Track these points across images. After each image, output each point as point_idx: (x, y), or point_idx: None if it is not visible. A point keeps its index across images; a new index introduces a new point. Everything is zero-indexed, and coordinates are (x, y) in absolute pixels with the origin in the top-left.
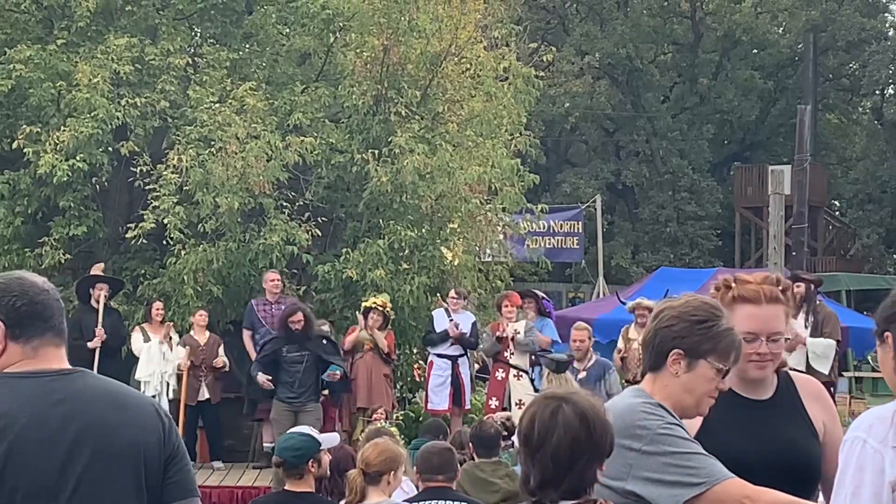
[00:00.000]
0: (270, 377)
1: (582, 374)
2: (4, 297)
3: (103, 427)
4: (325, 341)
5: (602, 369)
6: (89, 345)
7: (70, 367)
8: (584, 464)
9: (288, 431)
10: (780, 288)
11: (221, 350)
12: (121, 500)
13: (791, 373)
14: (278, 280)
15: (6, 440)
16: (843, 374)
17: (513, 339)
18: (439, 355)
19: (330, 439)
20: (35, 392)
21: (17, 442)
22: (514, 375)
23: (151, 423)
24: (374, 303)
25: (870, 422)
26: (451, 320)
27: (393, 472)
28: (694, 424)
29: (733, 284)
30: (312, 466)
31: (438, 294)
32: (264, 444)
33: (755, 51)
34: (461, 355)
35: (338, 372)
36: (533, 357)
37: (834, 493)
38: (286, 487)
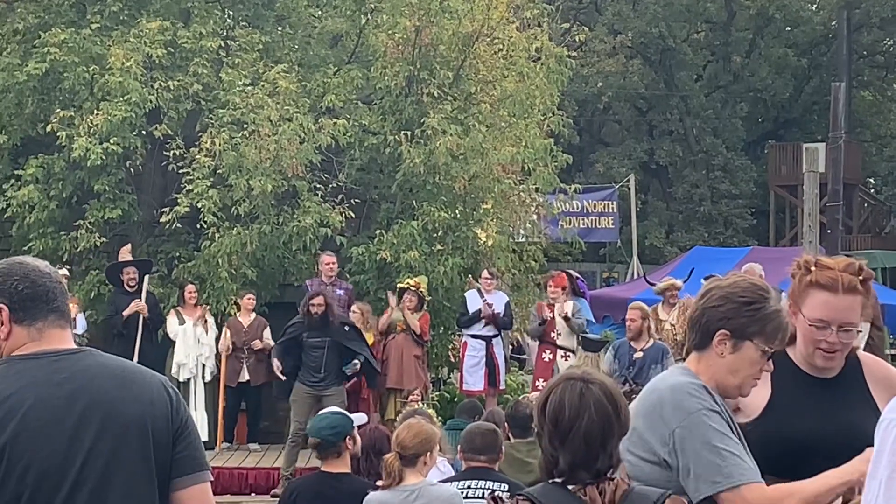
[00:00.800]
0: (280, 366)
1: (638, 355)
2: (7, 280)
3: (109, 403)
4: (346, 328)
5: (660, 353)
6: (125, 312)
7: (75, 346)
8: (614, 444)
9: (319, 413)
10: (861, 277)
11: (267, 332)
12: (129, 473)
13: (859, 353)
14: (334, 263)
15: (13, 421)
16: None
17: (567, 318)
18: (473, 336)
19: (358, 418)
20: (41, 373)
21: (24, 422)
22: (562, 356)
23: (158, 397)
24: (409, 283)
25: None
26: (485, 300)
27: (429, 453)
28: (759, 401)
29: (813, 268)
30: (349, 443)
31: (470, 275)
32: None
33: (788, 28)
34: (495, 335)
35: (357, 364)
36: (580, 337)
37: (868, 477)
38: (323, 468)
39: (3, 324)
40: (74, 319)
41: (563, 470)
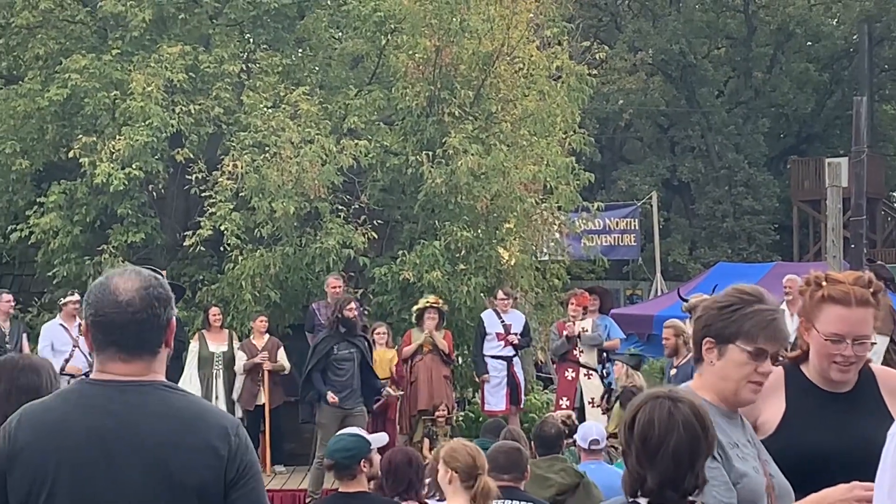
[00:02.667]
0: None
1: (673, 371)
2: (85, 302)
3: (159, 447)
4: (366, 343)
5: (689, 369)
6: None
7: (145, 378)
8: (701, 463)
9: (337, 433)
10: (872, 290)
11: (281, 352)
12: None
13: (873, 366)
14: (340, 287)
15: (60, 449)
16: None
17: (579, 335)
18: (493, 357)
19: (378, 438)
20: (99, 402)
21: (70, 452)
22: (585, 374)
23: (213, 446)
24: (428, 301)
25: None
26: (502, 321)
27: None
28: (775, 417)
29: (824, 283)
30: (364, 466)
31: (492, 297)
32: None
33: (809, 43)
34: (514, 355)
35: (383, 395)
36: (604, 354)
37: (875, 488)
38: (340, 489)
39: (85, 337)
40: None
41: (650, 489)
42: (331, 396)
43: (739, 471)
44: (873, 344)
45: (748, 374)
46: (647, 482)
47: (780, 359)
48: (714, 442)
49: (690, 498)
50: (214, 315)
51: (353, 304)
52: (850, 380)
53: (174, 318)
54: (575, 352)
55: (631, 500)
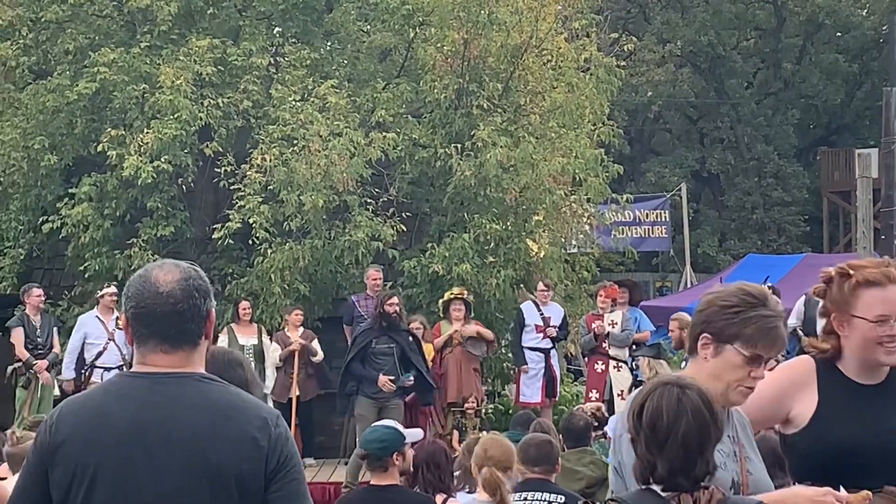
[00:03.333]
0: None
1: (683, 364)
2: (125, 295)
3: (198, 439)
4: (411, 338)
5: None
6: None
7: (185, 370)
8: (711, 449)
9: (373, 424)
10: None
11: (315, 343)
12: None
13: None
14: (380, 279)
15: (101, 441)
16: None
17: (607, 335)
18: (531, 349)
19: (414, 434)
20: (139, 394)
21: (111, 444)
22: (615, 367)
23: (253, 437)
24: (453, 293)
25: None
26: (542, 314)
27: (514, 467)
28: (807, 412)
29: (852, 271)
30: (397, 459)
31: (523, 286)
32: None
33: (839, 34)
34: (552, 347)
35: (412, 378)
36: (634, 347)
37: None
38: (371, 482)
39: (125, 331)
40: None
41: (661, 476)
42: (382, 379)
43: None
44: None
45: (741, 378)
46: (657, 469)
47: (812, 351)
48: (723, 428)
49: (703, 484)
50: (244, 309)
51: (394, 299)
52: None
53: (213, 309)
54: (604, 344)
55: (644, 487)
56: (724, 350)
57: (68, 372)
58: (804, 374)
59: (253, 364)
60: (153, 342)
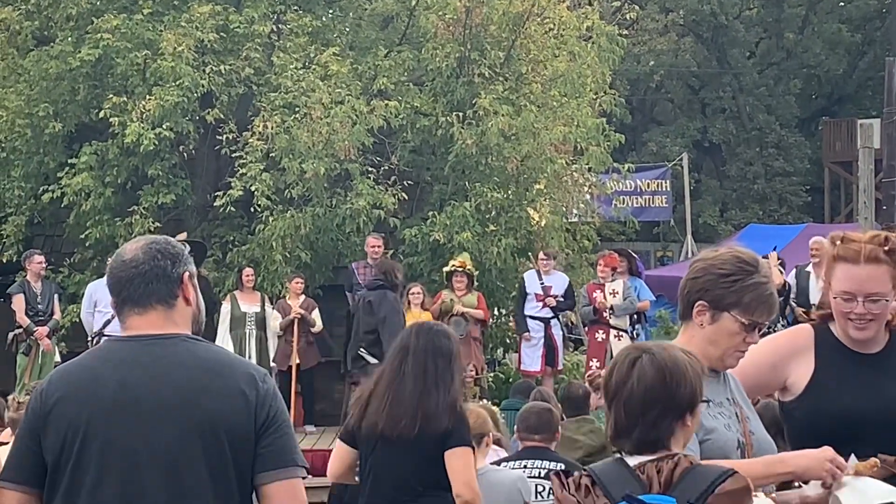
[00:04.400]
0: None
1: None
2: (108, 267)
3: (189, 395)
4: None
5: None
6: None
7: (167, 332)
8: (656, 414)
9: None
10: (887, 248)
11: (316, 312)
12: (198, 467)
13: None
14: (378, 246)
15: (94, 400)
16: None
17: (611, 307)
18: (531, 317)
19: None
20: (128, 356)
21: (103, 403)
22: (615, 336)
23: (241, 390)
24: (454, 265)
25: None
26: (542, 283)
27: (488, 436)
28: (803, 378)
29: (838, 243)
30: None
31: (530, 255)
32: None
33: (841, 3)
34: (553, 317)
35: None
36: (635, 316)
37: None
38: None
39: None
40: None
41: (611, 437)
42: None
43: (707, 427)
44: (887, 301)
45: (737, 344)
46: (609, 430)
47: (812, 318)
48: (685, 398)
49: (675, 452)
50: (247, 276)
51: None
52: (871, 337)
53: (190, 274)
54: (605, 314)
55: (615, 457)
56: (720, 317)
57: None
58: (801, 341)
59: (255, 331)
60: (127, 307)
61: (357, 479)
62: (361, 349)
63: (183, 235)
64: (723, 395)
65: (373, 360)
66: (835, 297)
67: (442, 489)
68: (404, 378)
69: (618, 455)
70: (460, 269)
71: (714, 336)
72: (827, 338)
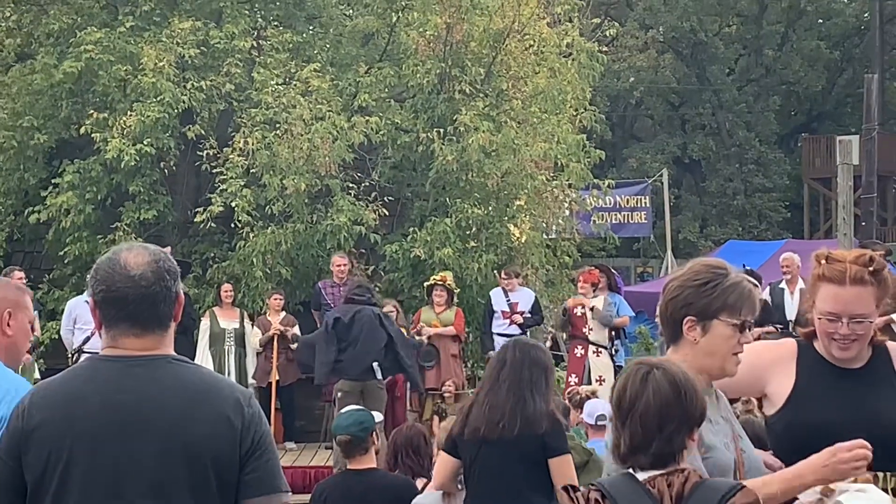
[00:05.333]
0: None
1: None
2: (92, 279)
3: (173, 420)
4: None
5: None
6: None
7: (157, 353)
8: (672, 428)
9: (342, 411)
10: (872, 269)
11: (296, 329)
12: (181, 493)
13: (889, 344)
14: (344, 265)
15: (76, 422)
16: None
17: (592, 308)
18: (500, 334)
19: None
20: (113, 376)
21: (86, 426)
22: (594, 352)
23: (227, 417)
24: (435, 279)
25: None
26: (508, 300)
27: None
28: (784, 391)
29: (823, 262)
30: (374, 438)
31: (496, 272)
32: None
33: (821, 21)
34: (522, 333)
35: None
36: (613, 332)
37: None
38: (350, 467)
39: (92, 314)
40: None
41: (624, 453)
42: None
43: (707, 443)
44: (871, 322)
45: (733, 347)
46: (622, 446)
47: (795, 335)
48: (696, 412)
49: (683, 466)
50: (226, 291)
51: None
52: (854, 357)
53: (182, 292)
54: (584, 329)
55: (624, 471)
56: (711, 326)
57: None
58: (784, 352)
59: (234, 348)
60: (124, 325)
61: (460, 486)
62: (375, 363)
63: (167, 250)
64: (717, 413)
65: (379, 375)
66: (819, 318)
67: (545, 494)
68: (501, 386)
69: (625, 470)
70: (440, 284)
71: (709, 346)
72: (809, 353)
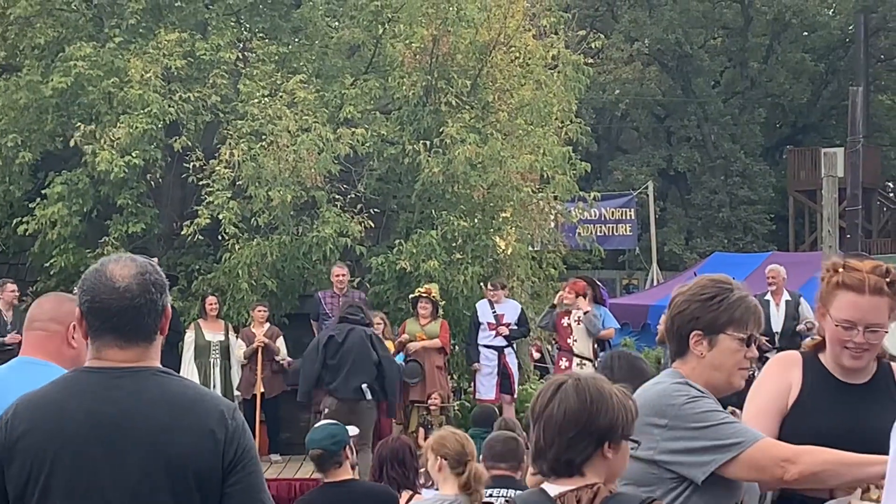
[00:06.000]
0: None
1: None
2: (79, 290)
3: (157, 432)
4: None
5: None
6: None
7: (141, 365)
8: (572, 437)
9: (315, 426)
10: (889, 280)
11: (280, 341)
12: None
13: (894, 364)
14: (343, 275)
15: (61, 434)
16: None
17: (578, 320)
18: (485, 346)
19: (351, 429)
20: (98, 388)
21: (70, 437)
22: (578, 364)
23: (210, 429)
24: (420, 291)
25: None
26: (494, 312)
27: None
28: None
29: (840, 269)
30: (348, 452)
31: (482, 284)
32: None
33: (805, 33)
34: (507, 346)
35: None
36: (597, 345)
37: (886, 483)
38: (326, 480)
39: (79, 325)
40: None
41: (531, 459)
42: None
43: None
44: (886, 332)
45: (739, 361)
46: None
47: (801, 348)
48: (604, 423)
49: (594, 482)
50: (211, 304)
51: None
52: (863, 367)
53: (169, 305)
54: (569, 340)
55: (538, 486)
56: (717, 340)
57: None
58: (791, 363)
59: (219, 360)
60: (109, 337)
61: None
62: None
63: (154, 261)
64: None
65: (369, 396)
66: (836, 325)
67: None
68: None
69: (541, 486)
70: (425, 296)
71: (716, 360)
72: (815, 364)
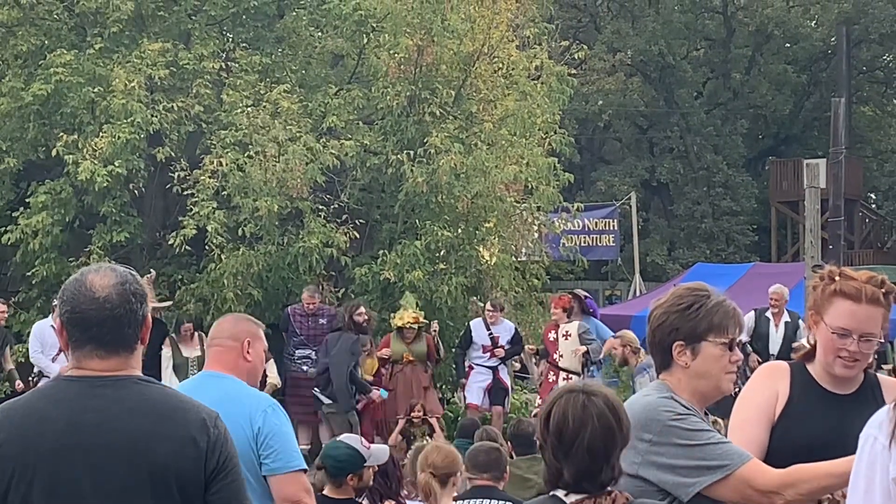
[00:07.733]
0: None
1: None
2: (59, 300)
3: (137, 440)
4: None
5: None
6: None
7: (121, 373)
8: (616, 455)
9: (336, 440)
10: (884, 290)
11: (271, 364)
12: None
13: (880, 376)
14: (314, 304)
15: (41, 442)
16: (883, 366)
17: (566, 335)
18: (479, 364)
19: (378, 455)
20: (78, 396)
21: (50, 445)
22: (564, 378)
23: (192, 437)
24: (406, 321)
25: (881, 419)
26: (490, 333)
27: (457, 474)
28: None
29: (837, 278)
30: (351, 480)
31: (475, 297)
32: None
33: (788, 45)
34: (500, 364)
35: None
36: (584, 358)
37: (849, 491)
38: (325, 491)
39: (59, 335)
40: None
41: (567, 482)
42: (376, 394)
43: None
44: (879, 342)
45: (724, 366)
46: (563, 475)
47: (791, 359)
48: (629, 434)
49: (609, 489)
50: (186, 330)
51: (362, 309)
52: (853, 377)
53: (149, 314)
54: (555, 355)
55: (551, 493)
56: (700, 348)
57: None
58: (778, 373)
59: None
60: (89, 347)
61: None
62: (315, 390)
63: (150, 279)
64: None
65: (327, 401)
66: (831, 332)
67: None
68: None
69: (553, 493)
70: (412, 326)
71: (701, 368)
72: (802, 374)
